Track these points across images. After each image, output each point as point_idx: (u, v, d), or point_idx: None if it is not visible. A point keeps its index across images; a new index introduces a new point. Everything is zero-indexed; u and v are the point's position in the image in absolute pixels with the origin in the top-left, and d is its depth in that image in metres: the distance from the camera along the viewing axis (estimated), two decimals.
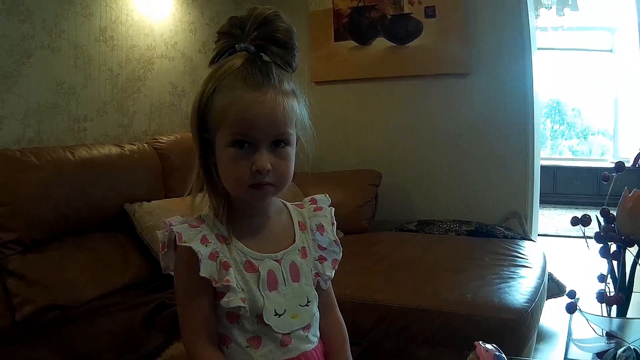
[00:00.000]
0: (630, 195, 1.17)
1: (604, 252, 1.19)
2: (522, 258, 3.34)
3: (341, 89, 4.73)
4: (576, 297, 1.23)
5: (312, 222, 1.54)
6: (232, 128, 1.29)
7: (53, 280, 2.72)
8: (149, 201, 3.21)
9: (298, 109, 1.37)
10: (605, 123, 9.43)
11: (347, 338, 1.63)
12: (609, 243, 1.18)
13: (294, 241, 1.49)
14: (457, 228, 3.98)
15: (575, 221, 1.23)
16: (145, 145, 3.41)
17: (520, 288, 2.91)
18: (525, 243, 3.67)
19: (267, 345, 1.42)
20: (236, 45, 1.33)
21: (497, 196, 4.26)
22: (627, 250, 1.21)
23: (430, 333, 2.68)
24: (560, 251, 5.81)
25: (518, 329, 2.64)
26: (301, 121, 1.40)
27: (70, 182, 2.89)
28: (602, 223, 1.19)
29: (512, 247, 3.54)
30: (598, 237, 1.19)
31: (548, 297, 3.50)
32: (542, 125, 9.08)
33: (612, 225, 1.19)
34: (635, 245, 1.21)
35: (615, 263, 1.21)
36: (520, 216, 4.16)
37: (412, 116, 4.49)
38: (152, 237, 3.01)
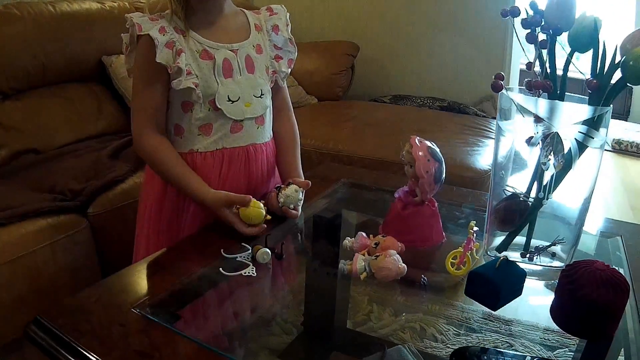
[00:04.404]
0: None
1: (531, 38, 1.24)
2: (491, 132, 3.39)
3: None
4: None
5: (268, 24, 1.65)
6: None
7: (28, 126, 2.80)
8: None
9: None
10: None
11: (298, 140, 1.73)
12: (536, 29, 1.23)
13: (249, 37, 1.60)
14: (430, 103, 4.04)
15: (504, 13, 1.27)
16: (125, 3, 3.42)
17: (484, 153, 2.99)
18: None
19: (217, 132, 1.54)
20: None
21: (473, 78, 4.25)
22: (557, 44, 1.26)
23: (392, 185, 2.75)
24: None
25: (477, 188, 2.70)
26: None
27: (50, 33, 2.93)
28: (531, 13, 1.23)
29: (483, 123, 3.61)
30: (525, 23, 1.23)
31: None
32: None
33: (541, 16, 1.23)
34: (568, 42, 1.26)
35: (545, 53, 1.25)
36: (495, 100, 4.17)
37: None
38: (127, 87, 3.05)
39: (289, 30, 1.67)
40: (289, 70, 1.67)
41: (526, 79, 1.28)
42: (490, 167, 2.79)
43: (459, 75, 4.30)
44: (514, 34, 1.27)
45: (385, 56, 4.51)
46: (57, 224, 2.13)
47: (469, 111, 3.93)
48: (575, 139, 1.22)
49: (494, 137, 3.24)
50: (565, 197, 1.32)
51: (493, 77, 1.28)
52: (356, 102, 4.13)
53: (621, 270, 1.38)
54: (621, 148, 5.54)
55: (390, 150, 2.90)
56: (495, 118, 3.85)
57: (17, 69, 2.81)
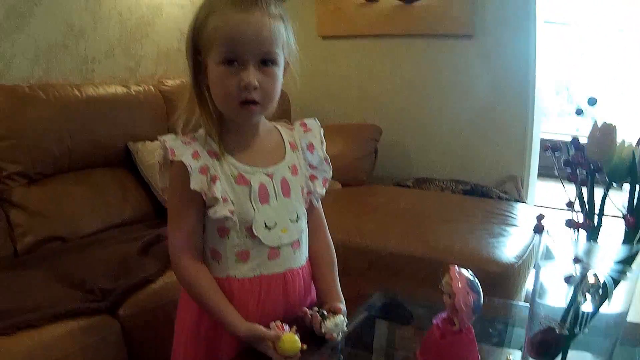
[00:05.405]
0: (600, 126, 1.22)
1: (572, 177, 1.25)
2: (515, 218, 3.38)
3: (347, 45, 4.72)
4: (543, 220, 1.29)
5: (302, 142, 1.63)
6: (222, 47, 1.39)
7: (54, 212, 2.82)
8: (152, 141, 3.26)
9: (285, 32, 1.46)
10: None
11: (335, 260, 1.70)
12: (577, 168, 1.24)
13: (284, 158, 1.58)
14: (453, 187, 4.03)
15: (546, 148, 1.29)
16: (151, 87, 3.46)
17: (510, 245, 2.96)
18: (520, 205, 3.71)
19: (255, 259, 1.51)
20: None
21: (495, 159, 4.27)
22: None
23: (419, 280, 2.75)
24: (556, 222, 5.82)
25: (504, 283, 2.70)
26: (288, 44, 1.48)
27: (76, 118, 2.98)
28: (573, 151, 1.25)
29: (506, 208, 3.58)
30: (566, 162, 1.24)
31: None
32: (548, 100, 9.00)
33: (582, 153, 1.24)
34: (606, 177, 1.27)
35: (585, 191, 1.26)
36: (517, 180, 4.17)
37: (415, 75, 4.49)
38: (153, 174, 3.08)
39: (324, 149, 1.64)
40: (324, 190, 1.64)
41: (567, 219, 1.28)
42: (515, 260, 2.77)
43: (481, 156, 4.32)
44: (555, 169, 1.28)
45: (407, 139, 4.55)
46: (88, 326, 2.10)
47: (492, 194, 3.92)
48: (610, 276, 1.22)
49: (517, 224, 3.26)
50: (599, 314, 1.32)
51: (536, 218, 1.28)
52: (380, 187, 4.13)
53: None
54: None
55: (416, 244, 2.91)
56: (517, 200, 3.88)
57: (43, 152, 2.85)
